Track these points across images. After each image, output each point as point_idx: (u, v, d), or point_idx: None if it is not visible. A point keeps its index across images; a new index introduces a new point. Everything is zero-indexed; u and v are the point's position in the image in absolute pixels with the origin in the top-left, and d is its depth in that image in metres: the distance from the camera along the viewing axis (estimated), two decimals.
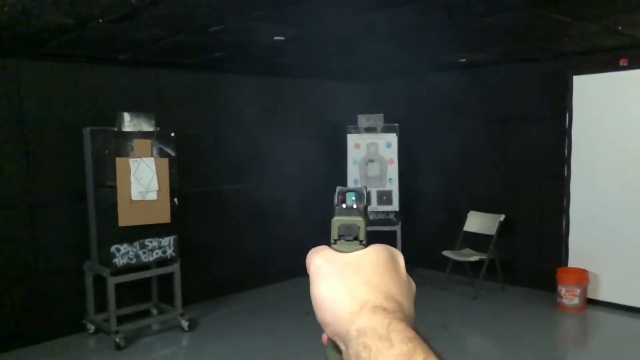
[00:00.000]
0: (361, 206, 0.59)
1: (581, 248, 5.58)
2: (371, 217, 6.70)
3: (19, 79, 4.67)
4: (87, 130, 4.72)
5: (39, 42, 4.10)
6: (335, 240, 0.57)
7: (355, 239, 0.57)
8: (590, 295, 5.48)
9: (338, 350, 0.54)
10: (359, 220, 0.57)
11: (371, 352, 0.47)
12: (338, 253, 0.56)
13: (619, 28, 4.31)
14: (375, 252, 0.56)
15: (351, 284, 0.53)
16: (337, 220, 0.58)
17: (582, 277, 5.44)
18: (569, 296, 5.41)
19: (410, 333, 0.48)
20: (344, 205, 0.59)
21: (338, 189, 0.60)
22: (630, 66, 5.13)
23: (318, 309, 0.54)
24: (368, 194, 0.61)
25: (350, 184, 6.71)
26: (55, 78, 4.88)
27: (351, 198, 0.59)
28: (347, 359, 0.51)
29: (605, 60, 5.29)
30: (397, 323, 0.49)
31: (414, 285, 0.58)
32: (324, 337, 0.55)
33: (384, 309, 0.50)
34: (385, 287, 0.53)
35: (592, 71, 5.40)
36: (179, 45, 4.43)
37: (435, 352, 0.47)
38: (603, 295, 5.46)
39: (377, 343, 0.47)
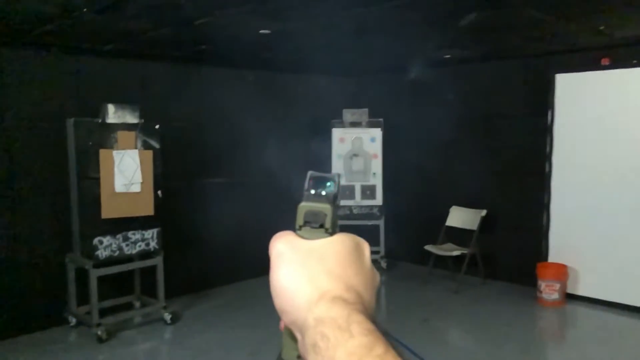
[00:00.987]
0: (331, 194, 0.57)
1: (561, 243, 5.67)
2: (355, 211, 6.74)
3: (1, 68, 4.60)
4: (70, 121, 4.67)
5: (22, 31, 4.04)
6: (301, 227, 0.55)
7: (322, 226, 0.55)
8: (569, 290, 5.57)
9: (293, 338, 0.53)
10: (326, 207, 0.55)
11: (329, 342, 0.46)
12: (302, 239, 0.54)
13: (601, 28, 4.37)
14: (341, 242, 0.54)
15: (312, 272, 0.52)
16: (304, 206, 0.55)
17: (561, 272, 5.53)
18: (549, 291, 5.50)
19: (370, 325, 0.47)
20: (312, 191, 0.57)
21: (309, 173, 0.58)
22: (612, 66, 5.21)
23: (277, 296, 0.53)
24: (339, 182, 0.58)
25: None
26: (39, 68, 4.81)
27: (321, 184, 0.57)
28: (302, 348, 0.50)
29: (588, 59, 5.36)
30: (357, 314, 0.48)
31: (378, 276, 0.57)
32: (282, 325, 0.54)
33: (344, 300, 0.49)
34: (347, 277, 0.52)
35: (574, 70, 5.46)
36: (164, 37, 4.40)
37: (393, 346, 0.46)
38: (582, 290, 5.55)
39: (336, 333, 0.46)
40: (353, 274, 0.53)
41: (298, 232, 0.55)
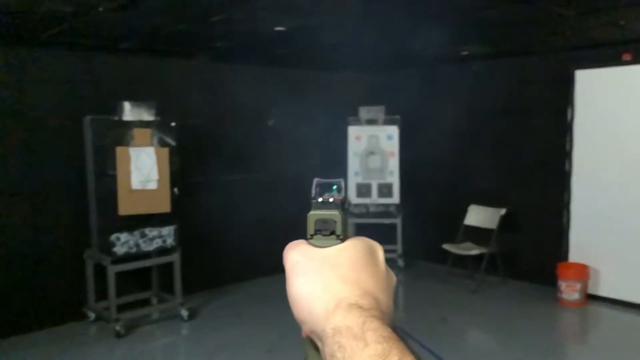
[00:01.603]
0: (339, 199, 0.57)
1: (582, 243, 5.57)
2: (372, 209, 6.70)
3: (20, 68, 4.69)
4: (87, 119, 4.73)
5: (39, 30, 4.10)
6: (312, 235, 0.56)
7: (332, 233, 0.56)
8: (590, 291, 5.47)
9: (316, 347, 0.53)
10: (335, 214, 0.56)
11: (345, 351, 0.46)
12: (315, 248, 0.55)
13: (622, 22, 4.27)
14: (353, 247, 0.55)
15: (327, 281, 0.52)
16: (313, 215, 0.56)
17: (582, 272, 5.43)
18: (569, 291, 5.40)
19: (386, 332, 0.47)
20: (320, 199, 0.57)
21: (315, 181, 0.59)
22: (634, 61, 5.10)
23: (294, 307, 0.53)
24: (346, 186, 0.60)
25: (351, 176, 6.70)
26: (56, 66, 4.89)
27: (328, 191, 0.58)
28: (324, 356, 0.50)
29: (608, 54, 5.26)
30: (373, 321, 0.48)
31: (394, 277, 0.57)
32: (304, 333, 0.55)
33: (360, 307, 0.49)
34: (362, 282, 0.52)
35: (595, 66, 5.36)
36: (179, 34, 4.43)
37: (412, 351, 0.47)
38: (603, 291, 5.45)
39: (351, 342, 0.46)
40: (368, 278, 0.53)
41: (310, 240, 0.56)
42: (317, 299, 0.51)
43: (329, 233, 0.56)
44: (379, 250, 0.57)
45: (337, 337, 0.47)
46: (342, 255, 0.54)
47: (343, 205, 0.57)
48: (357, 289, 0.51)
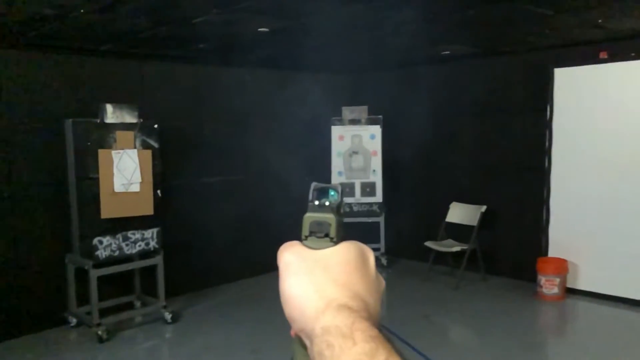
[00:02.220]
0: (335, 203, 0.58)
1: (561, 239, 5.67)
2: (355, 208, 6.73)
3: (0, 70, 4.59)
4: (69, 122, 4.66)
5: (20, 32, 4.03)
6: (306, 237, 0.57)
7: (326, 235, 0.57)
8: (569, 285, 5.58)
9: (304, 346, 0.54)
10: (330, 217, 0.57)
11: (334, 350, 0.47)
12: (308, 249, 0.56)
13: (599, 21, 4.36)
14: (346, 250, 0.56)
15: (319, 282, 0.53)
16: (309, 217, 0.57)
17: (561, 266, 5.53)
18: (549, 286, 5.50)
19: (373, 332, 0.48)
20: (316, 202, 0.58)
21: (313, 184, 0.60)
22: (610, 59, 5.21)
23: (286, 305, 0.55)
24: (342, 191, 0.61)
25: (335, 175, 6.72)
26: (37, 69, 4.79)
27: (325, 195, 0.59)
28: (311, 355, 0.51)
29: (586, 53, 5.36)
30: (361, 322, 0.49)
31: (383, 282, 0.59)
32: (293, 332, 0.56)
33: (349, 308, 0.51)
34: (353, 285, 0.54)
35: (573, 64, 5.46)
36: (162, 36, 4.39)
37: (398, 352, 0.48)
38: (582, 285, 5.56)
39: (340, 341, 0.47)
40: (358, 281, 0.54)
41: (304, 242, 0.57)
42: (308, 299, 0.52)
43: (323, 235, 0.57)
44: (370, 256, 0.58)
45: (326, 336, 0.48)
46: (334, 257, 0.55)
47: (339, 209, 0.58)
48: (347, 290, 0.53)
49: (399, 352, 0.47)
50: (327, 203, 0.58)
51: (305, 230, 0.57)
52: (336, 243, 0.57)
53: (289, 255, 0.56)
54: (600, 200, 5.39)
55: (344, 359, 0.46)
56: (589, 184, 5.45)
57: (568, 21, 4.34)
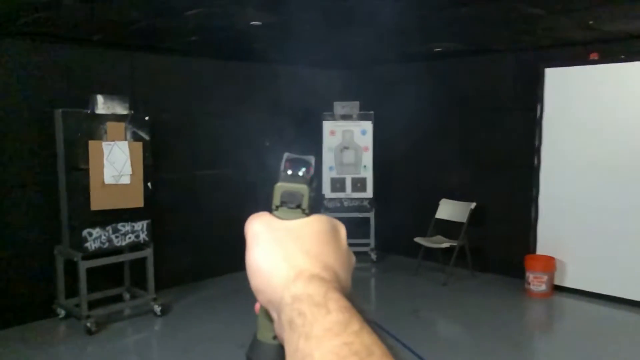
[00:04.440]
0: (308, 174, 0.56)
1: (549, 236, 5.72)
2: (345, 203, 6.75)
3: None
4: (58, 112, 4.63)
5: (10, 20, 3.99)
6: (277, 207, 0.55)
7: (298, 207, 0.55)
8: (556, 282, 5.63)
9: (270, 319, 0.53)
10: (303, 187, 0.55)
11: (306, 318, 0.46)
12: (279, 220, 0.54)
13: (591, 22, 4.39)
14: (317, 222, 0.55)
15: (289, 251, 0.52)
16: (281, 187, 0.55)
17: (549, 264, 5.58)
18: (536, 283, 5.55)
19: (346, 303, 0.47)
20: (289, 172, 0.56)
21: (285, 155, 0.58)
22: (600, 60, 5.25)
23: (252, 276, 0.53)
24: (314, 164, 0.58)
25: (325, 170, 6.73)
26: (26, 58, 4.75)
27: (298, 165, 0.57)
28: (278, 327, 0.50)
29: (577, 53, 5.40)
30: (334, 292, 0.48)
31: (353, 258, 0.57)
32: (257, 306, 0.55)
33: (321, 278, 0.49)
34: (324, 257, 0.52)
35: (563, 64, 5.50)
36: (154, 28, 4.37)
37: (370, 324, 0.47)
38: (569, 282, 5.61)
39: (312, 310, 0.46)
40: (330, 253, 0.53)
41: (275, 212, 0.55)
42: (277, 268, 0.51)
43: (294, 206, 0.55)
44: (342, 230, 0.57)
45: (297, 304, 0.47)
46: (305, 228, 0.54)
47: (312, 181, 0.56)
48: (318, 262, 0.51)
49: (370, 325, 0.46)
50: (300, 173, 0.56)
51: (276, 200, 0.55)
52: (308, 215, 0.55)
53: (258, 225, 0.54)
54: (588, 199, 5.44)
55: (316, 327, 0.45)
56: (578, 182, 5.50)
57: (559, 22, 4.37)
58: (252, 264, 0.53)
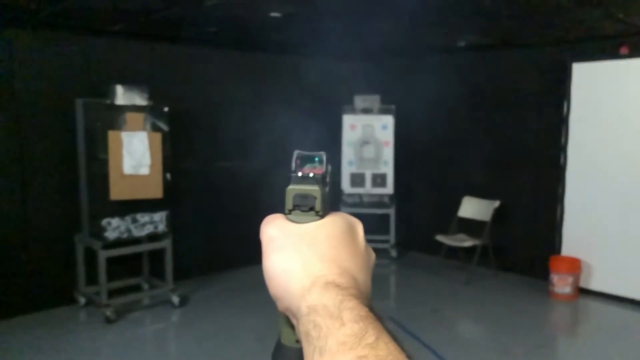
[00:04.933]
0: (320, 173, 0.55)
1: (575, 237, 5.57)
2: (365, 199, 6.69)
3: (11, 49, 4.63)
4: (79, 102, 4.69)
5: (32, 11, 4.05)
6: (290, 210, 0.54)
7: (312, 209, 0.53)
8: (582, 285, 5.48)
9: (291, 325, 0.52)
10: (314, 189, 0.54)
11: (321, 330, 0.45)
12: (293, 224, 0.53)
13: (621, 15, 4.25)
14: (332, 223, 0.53)
15: (304, 258, 0.51)
16: (292, 190, 0.54)
17: (574, 265, 5.43)
18: (561, 284, 5.41)
19: (363, 311, 0.46)
20: (300, 173, 0.55)
21: (295, 153, 0.56)
22: (631, 55, 5.07)
23: (270, 283, 0.52)
24: (327, 160, 0.57)
25: (345, 165, 6.67)
26: (48, 48, 4.82)
27: (309, 164, 0.56)
28: (298, 334, 0.50)
29: (606, 47, 5.23)
30: (350, 300, 0.47)
31: (373, 255, 0.56)
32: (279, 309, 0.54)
33: (337, 285, 0.48)
34: (341, 260, 0.51)
35: (592, 59, 5.33)
36: (174, 18, 4.38)
37: (389, 331, 0.45)
38: (595, 285, 5.45)
39: (327, 322, 0.45)
40: (346, 256, 0.52)
41: (288, 215, 0.54)
42: (293, 276, 0.50)
43: (307, 209, 0.54)
44: (359, 227, 0.56)
45: (313, 316, 0.46)
46: (320, 232, 0.53)
47: (324, 179, 0.55)
48: (335, 267, 0.50)
49: (390, 333, 0.45)
50: (311, 174, 0.55)
51: (288, 204, 0.54)
52: (322, 216, 0.54)
53: (272, 230, 0.53)
54: (616, 199, 5.27)
55: (331, 340, 0.44)
56: (605, 182, 5.33)
57: (588, 14, 4.23)
58: (268, 271, 0.53)
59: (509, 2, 3.89)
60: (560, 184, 5.63)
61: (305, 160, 0.56)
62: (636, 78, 5.09)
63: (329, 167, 0.57)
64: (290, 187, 0.54)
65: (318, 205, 0.54)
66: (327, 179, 0.56)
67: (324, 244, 0.52)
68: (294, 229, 0.53)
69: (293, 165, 0.56)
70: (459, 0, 3.86)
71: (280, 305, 0.52)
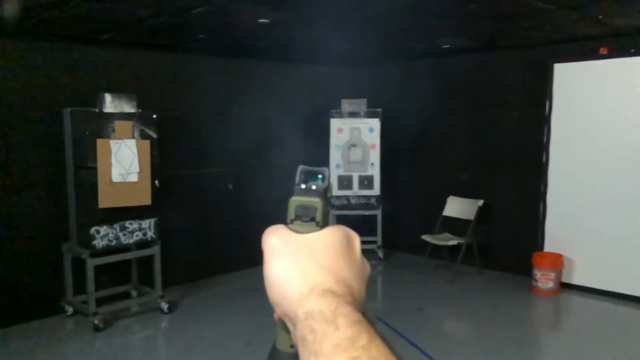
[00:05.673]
0: (321, 187, 0.58)
1: (557, 233, 5.69)
2: (352, 201, 6.74)
3: None
4: (67, 111, 4.64)
5: (18, 19, 3.99)
6: (292, 221, 0.57)
7: (312, 220, 0.56)
8: (564, 279, 5.60)
9: (287, 330, 0.54)
10: (316, 201, 0.57)
11: (316, 335, 0.47)
12: (294, 233, 0.56)
13: (600, 17, 4.36)
14: (331, 234, 0.56)
15: (303, 266, 0.53)
16: (295, 201, 0.57)
17: (557, 261, 5.55)
18: (544, 280, 5.53)
19: (356, 316, 0.48)
20: (303, 186, 0.58)
21: (300, 168, 0.59)
22: (610, 55, 5.20)
23: (269, 289, 0.54)
24: (329, 175, 0.60)
25: (333, 168, 6.71)
26: (35, 57, 4.75)
27: (313, 180, 0.58)
28: (294, 340, 0.51)
29: (586, 48, 5.35)
30: (345, 307, 0.49)
31: (368, 267, 0.58)
32: (276, 316, 0.56)
33: (333, 292, 0.50)
34: (337, 269, 0.53)
35: (572, 59, 5.45)
36: (161, 26, 4.36)
37: (381, 335, 0.48)
38: (577, 280, 5.58)
39: (323, 326, 0.47)
40: (343, 265, 0.54)
41: (290, 225, 0.57)
42: (292, 283, 0.52)
43: (308, 219, 0.56)
44: (356, 240, 0.58)
45: (309, 321, 0.48)
46: (319, 241, 0.55)
47: (325, 193, 0.58)
48: (331, 275, 0.52)
49: (381, 337, 0.48)
50: (313, 187, 0.58)
51: (290, 214, 0.57)
52: (322, 227, 0.56)
53: (274, 239, 0.56)
54: (596, 196, 5.40)
55: (326, 344, 0.46)
56: (586, 179, 5.46)
57: (568, 16, 4.33)
58: (269, 278, 0.55)
59: (493, 5, 3.96)
60: (542, 182, 5.75)
61: (308, 175, 0.59)
62: (615, 77, 5.23)
63: (330, 184, 0.60)
64: (293, 198, 0.57)
65: (319, 216, 0.56)
66: (329, 194, 0.59)
67: (322, 254, 0.54)
68: (294, 238, 0.55)
69: (297, 178, 0.58)
70: (444, 4, 3.91)
71: (279, 311, 0.54)
